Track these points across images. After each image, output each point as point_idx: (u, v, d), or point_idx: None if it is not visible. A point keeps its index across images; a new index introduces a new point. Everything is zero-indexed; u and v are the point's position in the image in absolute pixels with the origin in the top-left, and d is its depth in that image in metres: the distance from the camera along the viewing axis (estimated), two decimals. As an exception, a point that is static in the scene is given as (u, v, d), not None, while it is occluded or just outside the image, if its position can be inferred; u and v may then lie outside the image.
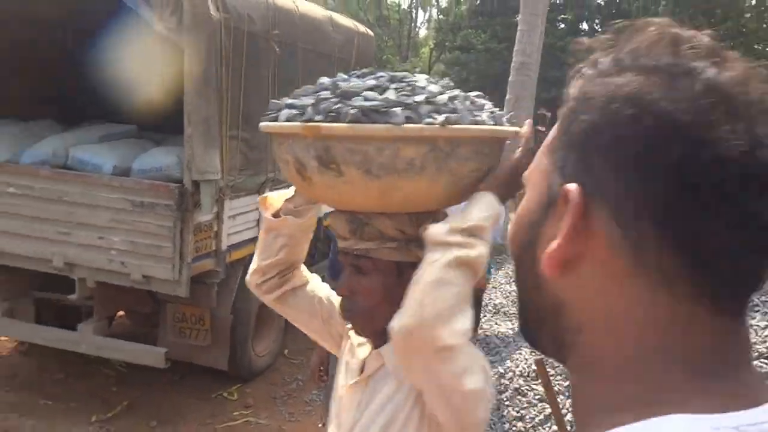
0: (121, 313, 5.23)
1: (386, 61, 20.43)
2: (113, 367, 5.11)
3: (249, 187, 4.64)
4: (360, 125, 1.16)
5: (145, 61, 5.33)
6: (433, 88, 1.27)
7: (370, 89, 1.22)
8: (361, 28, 6.55)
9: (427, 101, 1.21)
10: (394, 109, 1.17)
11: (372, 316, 1.25)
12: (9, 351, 5.50)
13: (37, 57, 5.55)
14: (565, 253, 0.54)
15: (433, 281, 1.07)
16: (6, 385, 4.92)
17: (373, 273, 1.25)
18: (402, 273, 1.22)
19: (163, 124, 5.19)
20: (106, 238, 4.18)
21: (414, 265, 1.15)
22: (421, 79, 1.29)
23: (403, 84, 1.25)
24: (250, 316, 4.95)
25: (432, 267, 1.09)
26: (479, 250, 1.11)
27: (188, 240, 4.08)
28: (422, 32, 30.82)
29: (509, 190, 1.21)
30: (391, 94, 1.21)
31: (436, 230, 1.13)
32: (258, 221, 4.82)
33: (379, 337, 1.25)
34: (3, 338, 5.49)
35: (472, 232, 1.12)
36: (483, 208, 1.16)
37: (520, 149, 1.26)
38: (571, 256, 0.53)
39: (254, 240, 4.83)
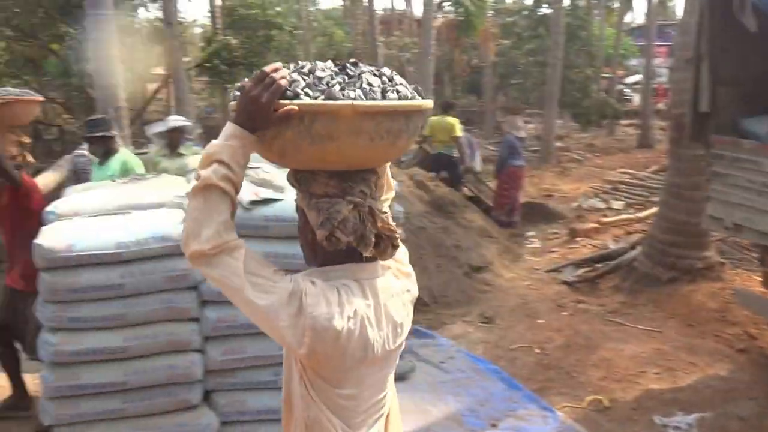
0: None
1: None
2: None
3: None
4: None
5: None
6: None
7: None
8: None
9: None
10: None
11: (301, 246, 1.60)
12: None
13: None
14: None
15: (186, 210, 1.46)
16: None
17: (297, 212, 1.58)
18: (306, 217, 1.52)
19: None
20: None
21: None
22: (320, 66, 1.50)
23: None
24: None
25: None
26: (204, 175, 1.41)
27: None
28: None
29: (249, 115, 1.41)
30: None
31: None
32: None
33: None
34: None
35: (205, 164, 1.43)
36: (217, 137, 1.44)
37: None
38: None
39: None
